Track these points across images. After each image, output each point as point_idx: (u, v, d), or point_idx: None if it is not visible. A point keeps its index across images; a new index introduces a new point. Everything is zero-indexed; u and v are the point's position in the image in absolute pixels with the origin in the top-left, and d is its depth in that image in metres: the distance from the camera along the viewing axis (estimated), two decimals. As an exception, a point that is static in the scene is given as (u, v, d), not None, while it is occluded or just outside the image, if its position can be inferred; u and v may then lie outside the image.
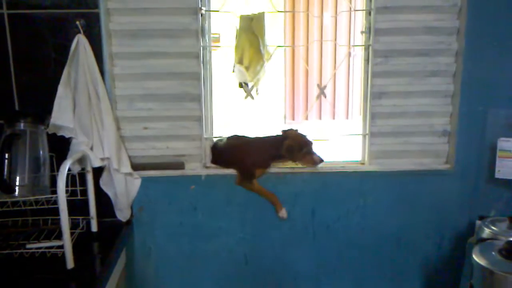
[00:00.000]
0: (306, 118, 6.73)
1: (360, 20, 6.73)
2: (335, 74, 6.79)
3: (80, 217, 1.77)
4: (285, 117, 7.07)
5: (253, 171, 1.92)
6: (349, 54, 6.46)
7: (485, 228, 1.70)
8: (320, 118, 7.06)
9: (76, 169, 1.74)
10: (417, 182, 1.98)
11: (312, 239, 2.04)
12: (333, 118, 7.09)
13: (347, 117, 7.19)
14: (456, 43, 1.88)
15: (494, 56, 1.85)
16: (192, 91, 1.89)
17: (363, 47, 1.95)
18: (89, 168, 1.72)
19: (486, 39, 1.84)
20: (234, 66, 1.99)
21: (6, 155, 1.47)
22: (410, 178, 1.98)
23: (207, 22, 1.89)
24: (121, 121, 1.89)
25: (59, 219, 1.43)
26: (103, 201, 1.85)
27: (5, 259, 1.56)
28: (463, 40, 1.84)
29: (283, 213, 1.96)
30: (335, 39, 6.72)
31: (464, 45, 1.84)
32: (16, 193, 1.54)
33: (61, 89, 1.68)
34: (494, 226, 1.70)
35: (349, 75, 6.98)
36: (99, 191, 1.82)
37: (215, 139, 2.02)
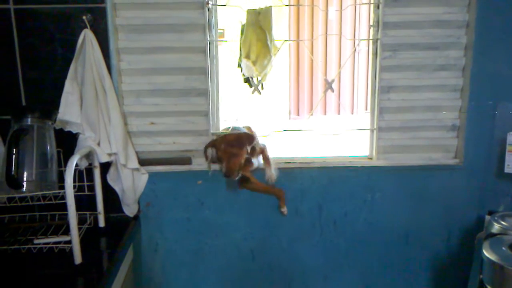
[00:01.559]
0: (311, 114, 6.72)
1: (365, 14, 6.72)
2: (340, 70, 6.76)
3: (88, 213, 1.77)
4: (290, 112, 7.06)
5: (240, 171, 1.83)
6: (356, 49, 6.43)
7: (495, 223, 1.68)
8: (325, 113, 7.04)
9: (84, 164, 1.74)
10: (425, 177, 1.97)
11: (319, 234, 2.03)
12: (338, 113, 7.07)
13: (352, 112, 7.18)
14: (465, 36, 1.86)
15: (504, 50, 1.83)
16: (199, 86, 1.88)
17: (372, 41, 1.94)
18: (96, 164, 1.72)
19: (496, 33, 1.82)
20: (240, 61, 1.98)
21: (14, 151, 1.47)
22: (418, 173, 1.96)
23: (213, 16, 1.88)
24: (128, 116, 1.88)
25: (66, 215, 1.44)
26: (110, 196, 1.85)
27: (13, 254, 1.56)
28: (472, 33, 1.82)
29: (285, 209, 1.96)
30: (340, 33, 6.68)
31: (473, 39, 1.82)
32: (24, 188, 1.53)
33: (68, 85, 1.67)
34: (504, 221, 1.68)
35: (354, 70, 6.95)
36: (106, 187, 1.82)
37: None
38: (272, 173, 1.90)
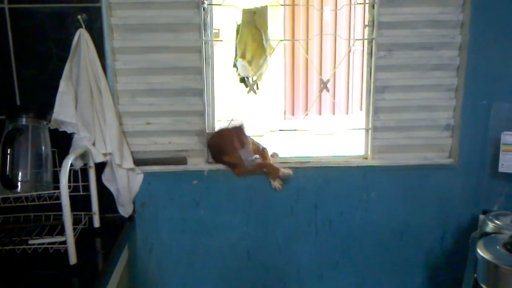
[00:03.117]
0: (306, 114, 6.72)
1: (360, 14, 6.73)
2: (335, 71, 6.77)
3: (82, 213, 1.76)
4: (285, 113, 7.06)
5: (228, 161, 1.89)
6: (350, 49, 6.44)
7: (489, 222, 1.69)
8: (320, 113, 7.04)
9: (78, 164, 1.73)
10: (420, 176, 1.97)
11: (314, 234, 2.03)
12: (333, 114, 7.08)
13: (347, 112, 7.18)
14: (459, 36, 1.87)
15: (498, 50, 1.84)
16: (194, 85, 1.87)
17: (367, 40, 1.94)
18: (91, 164, 1.71)
19: (491, 32, 1.82)
20: (236, 61, 1.97)
21: (8, 151, 1.46)
22: (413, 172, 1.97)
23: (209, 16, 1.88)
24: (123, 116, 1.88)
25: (61, 215, 1.43)
26: (105, 196, 1.84)
27: (7, 255, 1.55)
28: (467, 33, 1.83)
29: (277, 184, 1.93)
30: (335, 33, 6.69)
31: (468, 39, 1.83)
32: (19, 188, 1.52)
33: (62, 84, 1.67)
34: (498, 220, 1.69)
35: (349, 70, 6.96)
36: (101, 187, 1.81)
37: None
38: (284, 172, 1.92)
